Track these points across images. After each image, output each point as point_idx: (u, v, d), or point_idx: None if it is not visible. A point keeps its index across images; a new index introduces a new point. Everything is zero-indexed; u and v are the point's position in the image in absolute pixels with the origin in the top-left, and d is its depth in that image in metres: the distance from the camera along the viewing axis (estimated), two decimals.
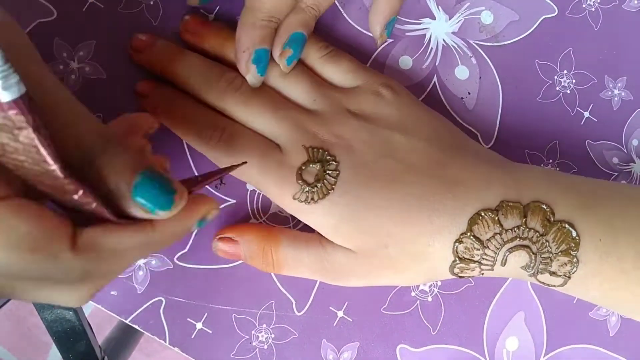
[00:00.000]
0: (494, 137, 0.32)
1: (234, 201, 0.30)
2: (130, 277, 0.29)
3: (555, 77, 0.32)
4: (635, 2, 0.33)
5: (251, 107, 0.28)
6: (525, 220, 0.26)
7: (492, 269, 0.26)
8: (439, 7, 0.32)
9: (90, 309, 0.84)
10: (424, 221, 0.26)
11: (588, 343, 0.31)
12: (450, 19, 0.32)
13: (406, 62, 0.32)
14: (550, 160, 0.32)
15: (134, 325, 0.29)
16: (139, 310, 0.29)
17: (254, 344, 0.30)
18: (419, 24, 0.32)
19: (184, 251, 0.29)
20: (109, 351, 0.52)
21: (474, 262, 0.26)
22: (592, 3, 0.33)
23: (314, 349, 0.30)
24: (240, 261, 0.30)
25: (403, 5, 0.32)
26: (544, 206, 0.26)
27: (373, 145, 0.27)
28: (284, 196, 0.27)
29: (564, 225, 0.25)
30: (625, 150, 0.33)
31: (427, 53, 0.32)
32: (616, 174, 0.33)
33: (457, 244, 0.26)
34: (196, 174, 0.30)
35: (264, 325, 0.30)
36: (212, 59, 0.29)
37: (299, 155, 0.27)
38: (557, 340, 0.31)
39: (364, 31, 0.32)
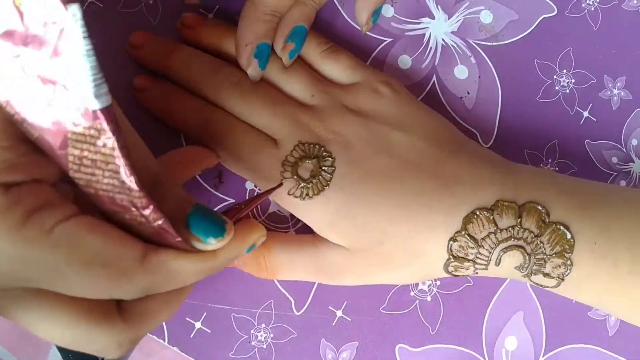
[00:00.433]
0: (493, 136, 0.32)
1: (233, 200, 0.30)
2: None
3: (555, 77, 0.32)
4: (635, 1, 0.33)
5: (249, 101, 0.28)
6: (520, 220, 0.25)
7: (486, 269, 0.26)
8: (439, 6, 0.32)
9: None
10: (419, 218, 0.26)
11: (587, 343, 0.31)
12: (449, 19, 0.32)
13: (405, 61, 0.32)
14: (550, 160, 0.32)
15: None
16: None
17: (252, 343, 0.30)
18: (418, 23, 0.32)
19: None
20: None
21: (468, 260, 0.26)
22: (591, 2, 0.33)
23: (313, 348, 0.30)
24: None
25: (402, 4, 0.32)
26: (539, 207, 0.26)
27: (370, 142, 0.27)
28: (280, 192, 0.27)
29: (558, 227, 0.25)
30: (625, 150, 0.33)
31: (427, 52, 0.32)
32: (615, 173, 0.33)
33: (451, 242, 0.26)
34: None
35: (263, 325, 0.30)
36: (209, 54, 0.29)
37: (295, 150, 0.27)
38: (556, 340, 0.31)
39: None
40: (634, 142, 0.33)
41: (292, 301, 0.30)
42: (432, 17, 0.32)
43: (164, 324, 0.29)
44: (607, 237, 0.25)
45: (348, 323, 0.30)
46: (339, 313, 0.30)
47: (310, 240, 0.28)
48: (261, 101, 0.28)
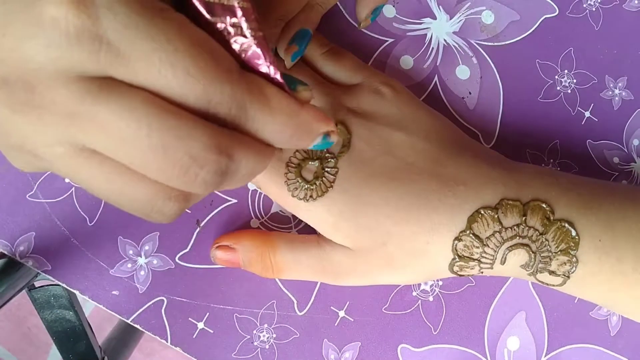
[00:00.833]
0: (494, 136, 0.32)
1: (235, 201, 0.30)
2: (132, 276, 0.29)
3: (556, 77, 0.32)
4: (636, 2, 0.33)
5: None
6: (525, 218, 0.26)
7: (492, 268, 0.26)
8: (440, 7, 0.32)
9: (90, 309, 0.84)
10: (423, 219, 0.26)
11: (589, 343, 0.31)
12: (451, 19, 0.32)
13: (407, 61, 0.32)
14: (551, 160, 0.32)
15: (135, 325, 0.29)
16: (141, 310, 0.29)
17: (255, 343, 0.30)
18: (420, 23, 0.32)
19: (185, 251, 0.29)
20: (109, 351, 0.52)
21: (474, 260, 0.26)
22: (592, 3, 0.33)
23: (316, 348, 0.30)
24: None
25: (404, 5, 0.32)
26: (543, 205, 0.26)
27: (372, 143, 0.27)
28: (283, 194, 0.27)
29: (563, 224, 0.25)
30: (626, 150, 0.33)
31: (428, 53, 0.32)
32: (617, 173, 0.33)
33: (456, 241, 0.26)
34: None
35: (266, 325, 0.30)
36: None
37: (298, 151, 0.27)
38: (558, 340, 0.31)
39: (365, 31, 0.32)
40: (635, 142, 0.33)
41: (295, 301, 0.30)
42: (434, 18, 0.32)
43: (166, 324, 0.29)
44: (612, 234, 0.25)
45: (350, 323, 0.30)
46: (342, 313, 0.30)
47: (315, 240, 0.28)
48: None
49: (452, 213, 0.26)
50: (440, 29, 0.32)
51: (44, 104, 0.16)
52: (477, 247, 0.26)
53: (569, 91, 0.32)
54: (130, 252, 0.29)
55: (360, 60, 0.30)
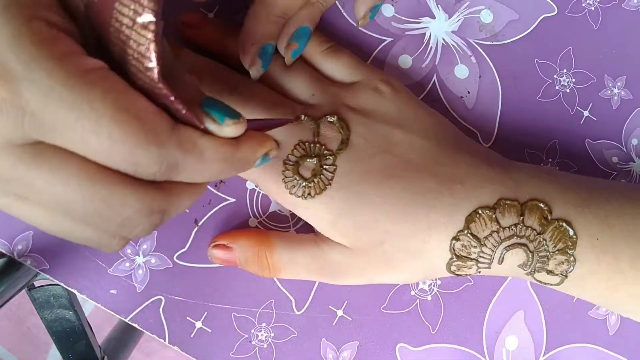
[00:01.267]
0: (493, 136, 0.32)
1: (234, 200, 0.30)
2: (130, 275, 0.29)
3: (555, 76, 0.32)
4: (635, 1, 0.33)
5: (251, 104, 0.28)
6: (523, 218, 0.26)
7: (489, 267, 0.26)
8: (439, 6, 0.32)
9: (90, 309, 0.83)
10: (421, 217, 0.26)
11: (587, 342, 0.31)
12: (449, 18, 0.32)
13: (406, 61, 0.32)
14: (550, 160, 0.32)
15: (133, 324, 0.29)
16: (139, 309, 0.29)
17: (253, 342, 0.30)
18: (419, 23, 0.32)
19: (183, 250, 0.29)
20: (109, 351, 0.52)
21: (471, 259, 0.26)
22: (591, 2, 0.33)
23: (314, 347, 0.30)
24: None
25: (403, 4, 0.32)
26: (541, 204, 0.26)
27: (371, 141, 0.27)
28: (282, 192, 0.27)
29: (561, 223, 0.25)
30: (625, 149, 0.33)
31: (427, 52, 0.32)
32: (615, 172, 0.33)
33: (453, 241, 0.26)
34: None
35: (264, 324, 0.30)
36: (209, 52, 0.29)
37: (296, 149, 0.27)
38: (557, 340, 0.31)
39: (364, 30, 0.32)
40: (634, 141, 0.33)
41: (293, 301, 0.30)
42: (433, 17, 0.32)
43: (164, 323, 0.29)
44: (609, 233, 0.25)
45: (349, 322, 0.30)
46: (340, 312, 0.30)
47: (312, 239, 0.28)
48: (261, 102, 0.28)
49: (449, 212, 0.26)
50: (439, 28, 0.32)
51: None
52: (475, 247, 0.26)
53: (568, 90, 0.32)
54: (128, 251, 0.29)
55: (360, 58, 0.30)
